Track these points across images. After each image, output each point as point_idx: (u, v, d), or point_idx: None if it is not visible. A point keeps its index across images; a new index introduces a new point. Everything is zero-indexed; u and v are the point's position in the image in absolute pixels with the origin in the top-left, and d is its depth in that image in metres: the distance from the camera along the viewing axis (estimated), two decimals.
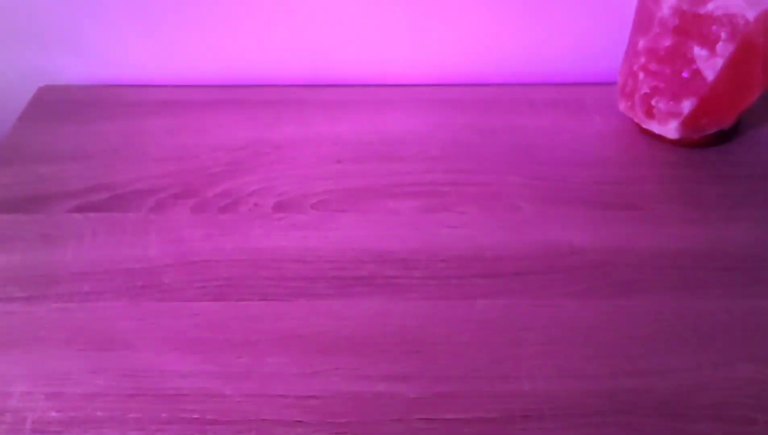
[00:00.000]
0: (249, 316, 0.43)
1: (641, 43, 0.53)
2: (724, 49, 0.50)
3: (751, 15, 0.48)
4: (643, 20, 0.53)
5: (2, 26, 0.61)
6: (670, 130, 0.54)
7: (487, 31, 0.62)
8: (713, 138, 0.55)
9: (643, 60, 0.53)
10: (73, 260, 0.47)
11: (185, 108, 0.60)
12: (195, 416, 0.38)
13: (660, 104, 0.54)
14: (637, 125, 0.57)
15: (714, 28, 0.49)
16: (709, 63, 0.50)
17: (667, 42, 0.51)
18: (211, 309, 0.44)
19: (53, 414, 0.38)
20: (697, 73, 0.51)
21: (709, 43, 0.50)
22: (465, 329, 0.42)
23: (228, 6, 0.60)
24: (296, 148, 0.56)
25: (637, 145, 0.56)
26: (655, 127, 0.55)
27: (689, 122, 0.53)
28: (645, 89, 0.54)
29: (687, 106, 0.53)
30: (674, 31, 0.51)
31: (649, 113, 0.54)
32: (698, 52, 0.50)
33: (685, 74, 0.52)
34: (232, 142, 0.57)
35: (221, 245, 0.48)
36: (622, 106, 0.57)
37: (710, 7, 0.49)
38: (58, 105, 0.61)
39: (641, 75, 0.54)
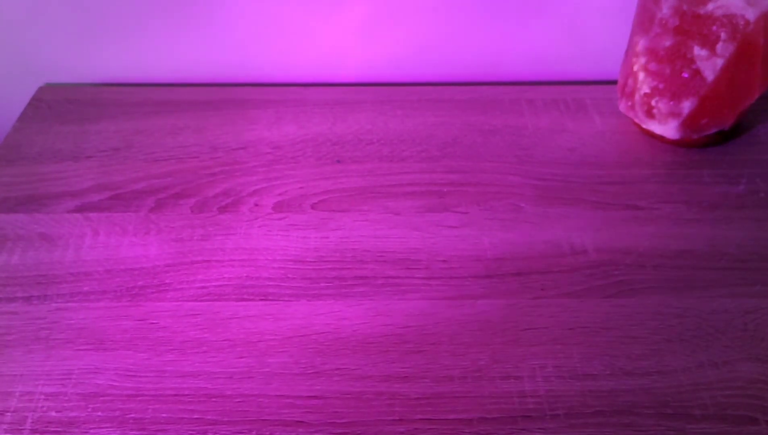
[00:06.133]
0: (249, 316, 0.43)
1: (641, 43, 0.53)
2: (724, 49, 0.50)
3: (751, 15, 0.48)
4: (643, 20, 0.53)
5: (2, 26, 0.61)
6: (670, 130, 0.54)
7: (487, 30, 0.62)
8: (713, 138, 0.55)
9: (643, 60, 0.53)
10: (73, 260, 0.47)
11: (185, 108, 0.60)
12: (195, 416, 0.38)
13: (660, 104, 0.54)
14: (637, 125, 0.57)
15: (714, 28, 0.49)
16: (709, 63, 0.50)
17: (667, 42, 0.51)
18: (211, 309, 0.44)
19: (53, 414, 0.38)
20: (697, 73, 0.51)
21: (709, 43, 0.50)
22: (466, 329, 0.42)
23: (228, 6, 0.60)
24: (296, 148, 0.56)
25: (637, 145, 0.56)
26: (655, 127, 0.55)
27: (689, 122, 0.53)
28: (645, 89, 0.54)
29: (687, 106, 0.53)
30: (674, 31, 0.51)
31: (649, 113, 0.54)
32: (698, 52, 0.50)
33: (685, 74, 0.52)
34: (232, 142, 0.56)
35: (221, 245, 0.48)
36: (622, 106, 0.57)
37: (710, 7, 0.49)
38: (58, 105, 0.61)
39: (641, 75, 0.54)
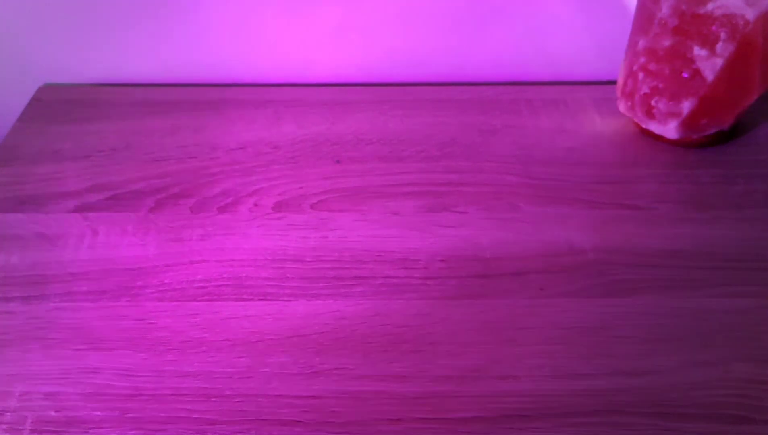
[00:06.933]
0: (249, 316, 0.43)
1: (641, 43, 0.53)
2: (724, 49, 0.50)
3: (750, 15, 0.48)
4: (643, 20, 0.53)
5: (2, 26, 0.61)
6: (669, 130, 0.54)
7: (487, 30, 0.62)
8: (713, 138, 0.55)
9: (643, 60, 0.53)
10: (72, 260, 0.47)
11: (185, 108, 0.60)
12: (194, 416, 0.38)
13: (660, 104, 0.54)
14: (637, 125, 0.57)
15: (714, 28, 0.49)
16: (709, 63, 0.50)
17: (666, 42, 0.51)
18: (210, 309, 0.44)
19: (52, 414, 0.38)
20: (696, 73, 0.51)
21: (709, 43, 0.50)
22: (464, 329, 0.42)
23: (228, 6, 0.60)
24: (295, 148, 0.56)
25: (637, 145, 0.56)
26: (654, 127, 0.55)
27: (689, 122, 0.53)
28: (645, 89, 0.54)
29: (687, 106, 0.53)
30: (674, 31, 0.51)
31: (649, 113, 0.54)
32: (698, 52, 0.50)
33: (684, 74, 0.52)
34: (231, 142, 0.57)
35: (221, 245, 0.48)
36: (622, 106, 0.57)
37: (710, 7, 0.49)
38: (58, 105, 0.61)
39: (641, 75, 0.54)
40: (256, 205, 0.51)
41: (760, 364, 0.40)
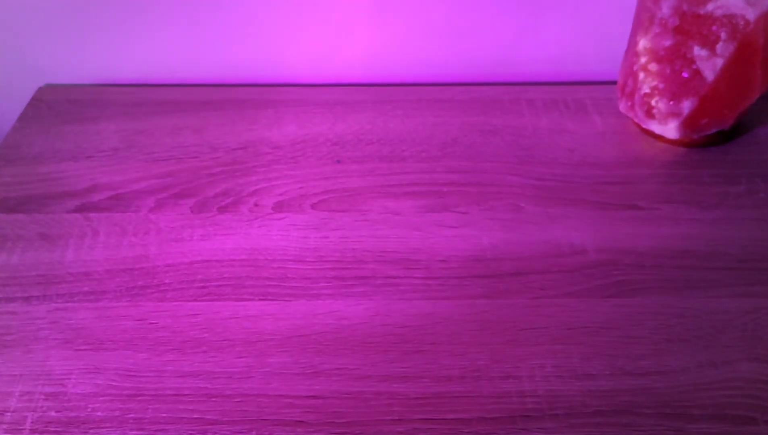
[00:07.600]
0: (249, 316, 0.43)
1: (641, 43, 0.53)
2: (724, 49, 0.50)
3: (751, 15, 0.48)
4: (643, 20, 0.53)
5: (2, 26, 0.61)
6: (670, 130, 0.54)
7: (487, 30, 0.62)
8: (713, 138, 0.55)
9: (643, 60, 0.53)
10: (73, 260, 0.47)
11: (185, 108, 0.60)
12: (195, 416, 0.38)
13: (660, 104, 0.54)
14: (637, 125, 0.57)
15: (714, 28, 0.49)
16: (709, 63, 0.50)
17: (667, 42, 0.51)
18: (211, 309, 0.44)
19: (53, 414, 0.38)
20: (697, 73, 0.51)
21: (709, 44, 0.50)
22: (466, 329, 0.42)
23: (229, 6, 0.60)
24: (296, 148, 0.56)
25: (637, 145, 0.56)
26: (655, 127, 0.55)
27: (689, 122, 0.53)
28: (645, 89, 0.54)
29: (687, 106, 0.53)
30: (674, 31, 0.51)
31: (649, 113, 0.54)
32: (698, 52, 0.50)
33: (685, 74, 0.52)
34: (232, 142, 0.57)
35: (221, 245, 0.48)
36: (622, 106, 0.57)
37: (710, 7, 0.49)
38: (58, 105, 0.61)
39: (641, 75, 0.54)
40: (256, 205, 0.51)
41: (765, 364, 0.40)
